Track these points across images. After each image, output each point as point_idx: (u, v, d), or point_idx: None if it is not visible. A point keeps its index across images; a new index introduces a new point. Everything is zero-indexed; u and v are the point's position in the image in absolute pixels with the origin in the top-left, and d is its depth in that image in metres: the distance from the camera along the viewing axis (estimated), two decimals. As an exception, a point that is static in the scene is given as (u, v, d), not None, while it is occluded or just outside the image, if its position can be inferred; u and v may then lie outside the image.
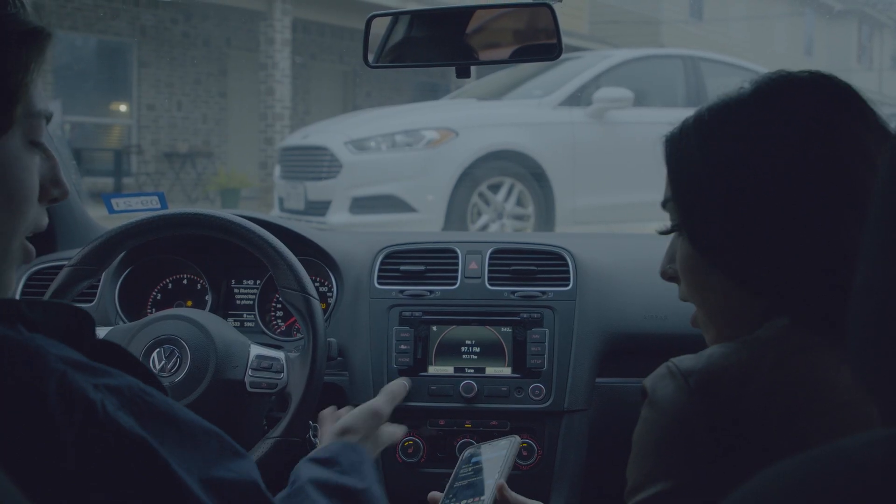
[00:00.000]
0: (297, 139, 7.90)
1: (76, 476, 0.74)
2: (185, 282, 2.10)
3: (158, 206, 2.13)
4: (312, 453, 1.37)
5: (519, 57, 1.69)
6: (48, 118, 0.92)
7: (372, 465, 1.38)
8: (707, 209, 0.98)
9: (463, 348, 1.88)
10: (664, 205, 1.07)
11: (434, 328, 1.89)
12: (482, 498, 1.28)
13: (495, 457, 1.38)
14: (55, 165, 0.95)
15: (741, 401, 0.88)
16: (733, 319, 1.02)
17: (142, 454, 0.76)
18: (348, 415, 1.50)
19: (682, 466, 0.89)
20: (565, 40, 1.56)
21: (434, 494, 1.41)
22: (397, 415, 1.83)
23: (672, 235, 1.10)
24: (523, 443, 1.82)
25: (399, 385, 1.64)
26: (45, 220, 0.95)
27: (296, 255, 1.73)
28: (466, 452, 1.46)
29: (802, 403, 0.87)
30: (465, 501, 1.30)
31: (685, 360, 0.93)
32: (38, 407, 0.74)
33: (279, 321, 2.07)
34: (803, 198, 0.93)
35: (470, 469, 1.39)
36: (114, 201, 2.15)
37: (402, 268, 1.98)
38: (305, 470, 1.30)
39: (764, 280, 0.96)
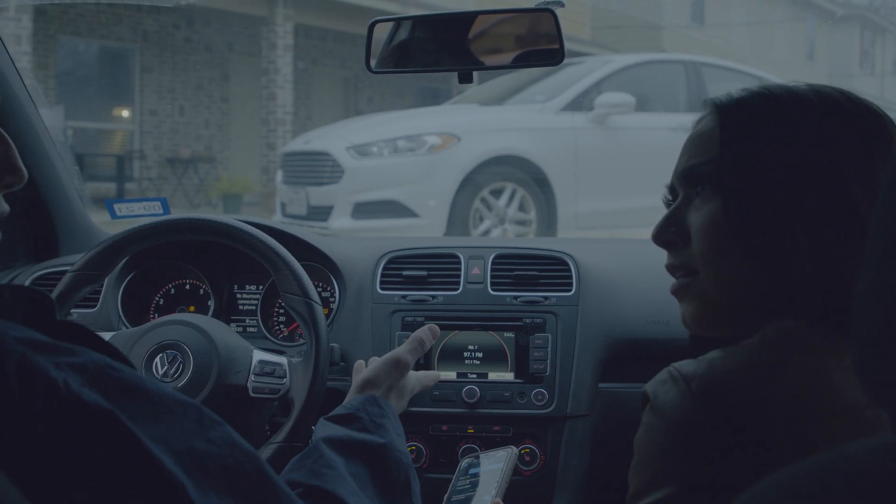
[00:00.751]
0: (299, 144, 7.91)
1: (44, 457, 0.72)
2: (187, 287, 2.10)
3: (161, 211, 2.13)
4: (333, 411, 1.34)
5: (521, 62, 1.69)
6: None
7: (395, 417, 1.34)
8: (756, 182, 0.98)
9: (465, 353, 1.88)
10: (692, 169, 1.05)
11: (436, 333, 1.89)
12: None
13: (493, 469, 1.36)
14: (10, 150, 0.91)
15: (744, 405, 0.88)
16: (736, 295, 1.01)
17: (109, 428, 0.74)
18: (370, 367, 1.47)
19: (686, 471, 0.88)
20: (567, 45, 1.56)
21: None
22: (401, 418, 1.84)
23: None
24: (525, 448, 1.82)
25: (425, 332, 1.57)
26: (6, 208, 0.91)
27: (298, 261, 1.73)
28: (464, 463, 1.45)
29: (807, 407, 0.87)
30: None
31: (687, 365, 0.93)
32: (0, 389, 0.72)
33: (282, 326, 2.07)
34: (835, 206, 0.95)
35: (467, 482, 1.38)
36: (116, 207, 2.15)
37: (404, 273, 1.98)
38: (322, 429, 1.27)
39: (785, 266, 0.96)
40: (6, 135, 0.91)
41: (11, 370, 0.72)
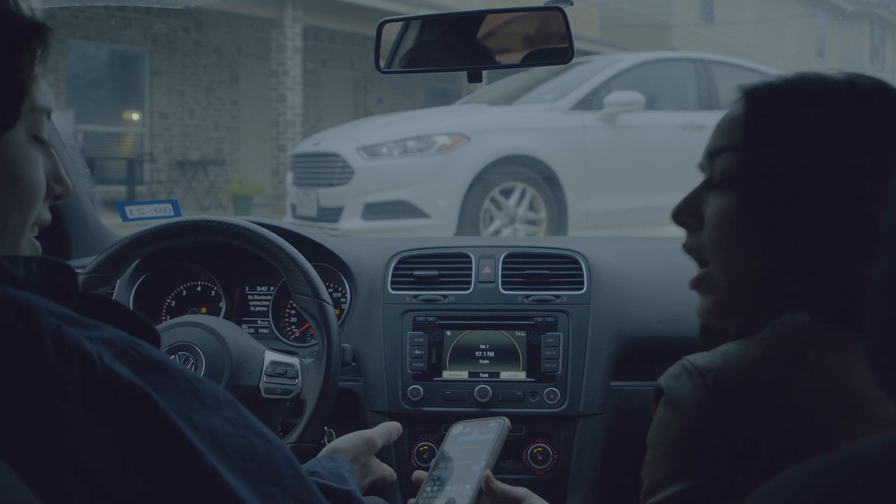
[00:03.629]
0: (308, 146, 7.91)
1: (81, 428, 0.74)
2: (199, 289, 2.11)
3: (172, 213, 2.14)
4: None
5: (531, 61, 1.69)
6: (49, 114, 0.93)
7: (351, 473, 1.28)
8: (777, 173, 0.95)
9: (477, 353, 1.88)
10: (713, 155, 1.03)
11: (448, 333, 1.89)
12: (467, 487, 1.25)
13: (484, 440, 1.34)
14: (56, 162, 0.95)
15: (761, 399, 0.87)
16: (746, 287, 1.00)
17: (142, 404, 0.76)
18: (341, 438, 1.46)
19: (702, 466, 0.88)
20: (576, 44, 1.56)
21: (419, 474, 1.38)
22: (413, 418, 1.84)
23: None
24: (538, 447, 1.82)
25: (395, 426, 1.54)
26: (49, 217, 0.96)
27: (309, 261, 1.73)
28: (455, 429, 1.42)
29: (824, 402, 0.86)
30: (448, 487, 1.28)
31: (701, 358, 0.92)
32: (37, 362, 0.74)
33: (293, 327, 2.07)
34: (862, 201, 0.92)
35: (457, 449, 1.36)
36: (127, 209, 2.16)
37: (415, 273, 1.98)
38: None
39: (802, 260, 0.94)
40: (53, 149, 0.94)
41: (48, 344, 0.75)
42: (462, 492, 1.25)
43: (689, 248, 1.07)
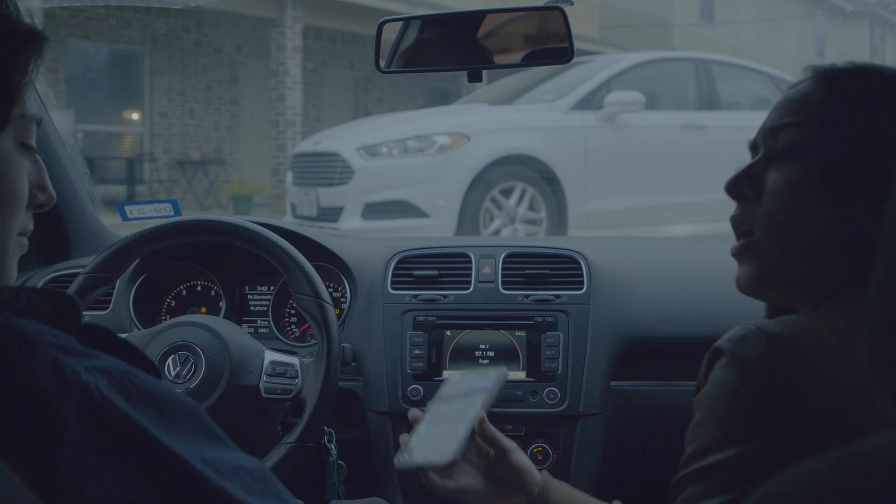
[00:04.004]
0: (308, 146, 7.91)
1: (77, 458, 0.74)
2: (199, 288, 2.11)
3: (172, 213, 2.14)
4: None
5: (531, 61, 1.69)
6: (39, 123, 0.93)
7: None
8: (858, 152, 0.97)
9: (477, 352, 1.88)
10: (775, 130, 1.04)
11: (448, 333, 1.89)
12: (461, 427, 1.25)
13: (481, 387, 1.34)
14: (42, 171, 0.95)
15: (823, 373, 0.87)
16: (805, 259, 0.99)
17: (137, 433, 0.76)
18: None
19: (762, 430, 0.87)
20: (576, 44, 1.55)
21: (414, 411, 1.38)
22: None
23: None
24: (538, 447, 1.82)
25: None
26: (31, 226, 0.95)
27: (309, 261, 1.73)
28: (453, 377, 1.42)
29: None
30: (442, 426, 1.28)
31: (768, 324, 0.92)
32: (33, 391, 0.74)
33: (293, 327, 2.07)
34: None
35: (454, 392, 1.37)
36: (127, 209, 2.16)
37: (415, 273, 1.98)
38: None
39: (871, 232, 0.95)
40: (40, 158, 0.95)
41: (45, 372, 0.75)
42: (456, 430, 1.26)
43: (739, 220, 1.07)
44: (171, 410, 0.81)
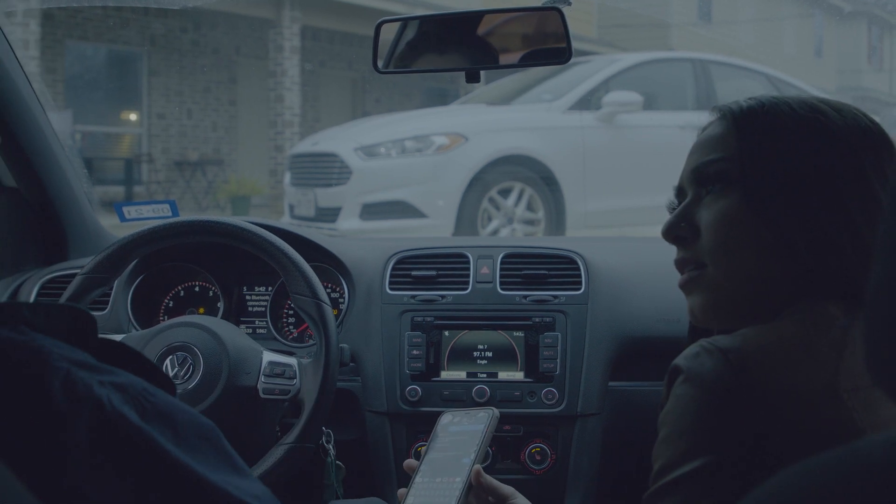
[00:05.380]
0: (306, 146, 7.91)
1: (88, 471, 0.74)
2: (197, 289, 2.10)
3: (170, 213, 2.13)
4: None
5: (529, 61, 1.69)
6: None
7: None
8: (778, 177, 1.02)
9: (475, 353, 1.88)
10: (704, 166, 1.09)
11: (446, 333, 1.89)
12: (457, 480, 1.26)
13: (474, 430, 1.34)
14: None
15: (780, 380, 0.90)
16: (747, 286, 1.04)
17: (149, 447, 0.76)
18: None
19: (721, 440, 0.89)
20: (574, 44, 1.56)
21: (410, 462, 1.39)
22: (411, 418, 1.84)
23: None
24: (536, 447, 1.82)
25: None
26: None
27: (307, 262, 1.73)
28: (444, 419, 1.42)
29: (838, 387, 0.89)
30: (439, 479, 1.28)
31: (720, 339, 0.95)
32: (45, 406, 0.74)
33: (291, 327, 2.07)
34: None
35: (447, 440, 1.36)
36: (125, 210, 2.16)
37: (413, 273, 1.98)
38: None
39: (813, 253, 0.99)
40: None
41: (57, 387, 0.74)
42: (452, 484, 1.26)
43: (685, 261, 1.11)
44: (187, 432, 0.81)
